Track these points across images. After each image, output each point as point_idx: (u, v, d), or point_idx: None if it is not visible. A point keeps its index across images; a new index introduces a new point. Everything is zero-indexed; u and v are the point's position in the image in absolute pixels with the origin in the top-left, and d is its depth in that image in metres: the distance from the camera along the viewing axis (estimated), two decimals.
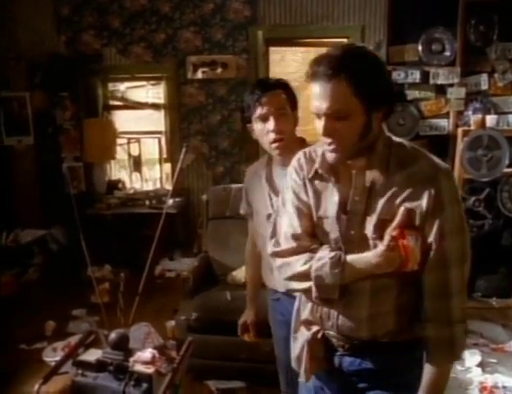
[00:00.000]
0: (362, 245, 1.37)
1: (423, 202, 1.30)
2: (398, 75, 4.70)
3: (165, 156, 5.72)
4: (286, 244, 1.47)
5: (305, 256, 1.41)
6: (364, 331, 1.43)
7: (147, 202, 5.24)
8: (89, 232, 3.53)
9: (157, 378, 1.78)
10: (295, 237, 1.46)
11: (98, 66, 5.32)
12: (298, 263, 1.42)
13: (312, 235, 1.46)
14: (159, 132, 5.70)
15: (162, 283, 4.65)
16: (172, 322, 3.53)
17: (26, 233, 5.02)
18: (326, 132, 1.30)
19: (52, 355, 3.42)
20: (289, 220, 1.49)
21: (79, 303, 4.24)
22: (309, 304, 1.52)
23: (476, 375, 3.17)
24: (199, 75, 5.20)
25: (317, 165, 1.44)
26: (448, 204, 1.31)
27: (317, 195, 1.46)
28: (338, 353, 1.52)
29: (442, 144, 4.75)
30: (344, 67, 1.23)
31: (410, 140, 4.90)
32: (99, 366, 1.84)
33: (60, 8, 5.25)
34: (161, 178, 5.93)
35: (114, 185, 5.66)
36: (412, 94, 4.76)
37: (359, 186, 1.37)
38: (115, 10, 5.20)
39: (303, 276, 1.40)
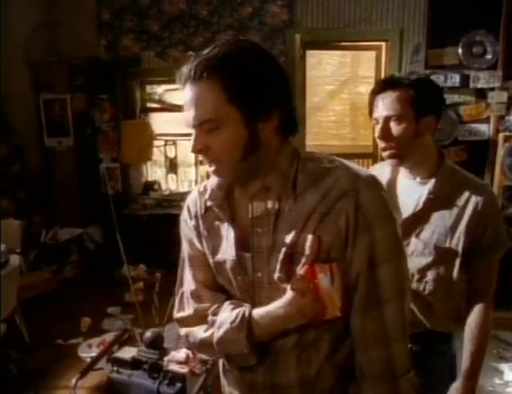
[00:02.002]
0: (274, 290, 1.08)
1: (341, 224, 1.01)
2: (437, 79, 4.61)
3: (200, 158, 5.75)
4: (188, 306, 1.20)
5: (207, 322, 1.14)
6: None
7: (182, 203, 5.28)
8: (124, 232, 3.59)
9: (190, 378, 1.79)
10: (194, 296, 1.18)
11: (136, 70, 5.41)
12: (200, 330, 1.15)
13: (215, 289, 1.18)
14: None
15: None
16: None
17: (64, 231, 5.14)
18: (196, 147, 1.04)
19: (88, 350, 3.49)
20: (186, 275, 1.23)
21: (113, 301, 4.31)
22: (229, 376, 1.24)
23: None
24: None
25: (206, 194, 1.16)
26: (375, 222, 1.01)
27: (214, 235, 1.16)
28: None
29: (482, 150, 4.65)
30: (214, 66, 0.98)
31: (448, 145, 4.85)
32: (134, 364, 1.88)
33: (101, 13, 5.37)
34: (196, 180, 5.98)
35: (150, 186, 5.74)
36: (451, 98, 4.67)
37: (260, 215, 1.08)
38: (154, 14, 5.27)
39: (210, 344, 1.12)
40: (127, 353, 1.95)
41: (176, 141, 5.98)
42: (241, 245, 1.10)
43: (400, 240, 1.07)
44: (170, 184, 6.06)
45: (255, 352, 1.09)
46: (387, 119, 1.54)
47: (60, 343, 3.69)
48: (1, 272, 2.95)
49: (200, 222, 1.19)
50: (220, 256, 1.15)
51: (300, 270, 1.01)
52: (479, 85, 4.53)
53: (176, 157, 6.06)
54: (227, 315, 1.10)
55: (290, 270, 1.04)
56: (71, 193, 5.43)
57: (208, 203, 1.16)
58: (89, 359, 2.99)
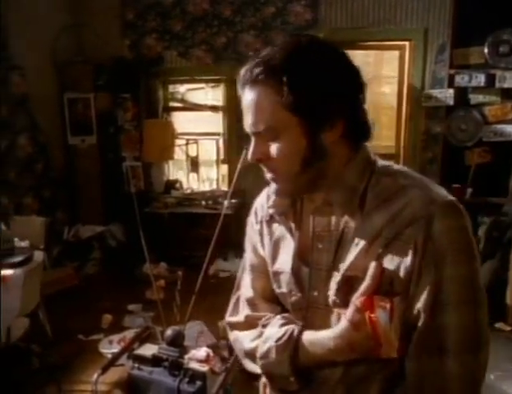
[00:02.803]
0: (330, 314, 0.98)
1: (408, 254, 0.88)
2: (461, 79, 4.57)
3: (222, 157, 5.79)
4: (241, 312, 1.14)
5: (255, 331, 1.07)
6: None
7: (203, 202, 5.32)
8: (145, 230, 3.62)
9: (210, 377, 1.80)
10: (250, 303, 1.12)
11: (159, 69, 5.45)
12: (247, 339, 1.08)
13: (272, 300, 1.11)
14: (217, 134, 5.77)
15: (216, 283, 4.70)
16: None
17: (87, 229, 5.20)
18: (254, 156, 0.97)
19: (108, 347, 3.52)
20: (246, 279, 1.17)
21: (134, 298, 4.35)
22: None
23: None
24: None
25: (270, 201, 1.08)
26: (448, 258, 0.87)
27: (275, 243, 1.09)
28: None
29: (507, 152, 4.57)
30: (272, 70, 0.89)
31: (472, 147, 4.79)
32: (155, 361, 1.89)
33: (125, 13, 5.42)
34: (217, 179, 6.00)
35: (172, 184, 5.78)
36: (475, 99, 4.61)
37: (322, 230, 0.99)
38: (177, 14, 5.31)
39: (253, 356, 1.05)
40: (148, 350, 1.96)
41: (198, 140, 6.01)
42: (301, 258, 1.02)
43: (477, 283, 0.90)
44: (191, 183, 6.09)
45: (298, 378, 0.98)
46: None
47: (81, 339, 3.74)
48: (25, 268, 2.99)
49: (264, 227, 1.12)
50: (277, 266, 1.07)
51: (357, 300, 0.89)
52: (505, 85, 4.46)
53: (197, 156, 6.08)
54: (275, 331, 1.01)
55: (347, 295, 0.92)
56: (94, 191, 5.50)
57: (270, 211, 1.09)
58: (109, 355, 3.03)
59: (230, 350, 2.04)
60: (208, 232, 3.61)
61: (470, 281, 0.89)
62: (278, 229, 1.09)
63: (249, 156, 0.98)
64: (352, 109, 0.95)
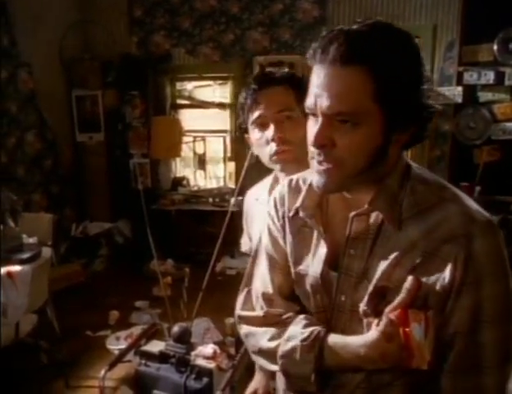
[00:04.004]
0: (356, 318, 0.95)
1: (447, 272, 0.87)
2: (470, 76, 4.53)
3: (229, 155, 5.79)
4: (257, 307, 1.09)
5: (273, 330, 1.03)
6: None
7: (210, 199, 5.32)
8: (153, 227, 3.63)
9: (217, 374, 1.80)
10: (266, 298, 1.07)
11: (167, 66, 5.46)
12: (264, 337, 1.03)
13: (288, 297, 1.07)
14: (224, 131, 5.77)
15: (223, 280, 4.70)
16: (232, 320, 3.56)
17: (94, 225, 5.23)
18: (319, 140, 0.87)
19: (116, 343, 3.55)
20: (261, 273, 1.11)
21: (141, 295, 4.37)
22: None
23: None
24: None
25: (299, 201, 1.03)
26: (487, 277, 0.86)
27: (299, 243, 1.05)
28: None
29: None
30: (368, 51, 0.82)
31: (481, 145, 4.74)
32: (162, 357, 1.90)
33: (133, 10, 5.43)
34: (224, 177, 6.00)
35: (179, 181, 5.79)
36: (484, 96, 4.57)
37: (357, 236, 0.95)
38: (185, 11, 5.31)
39: (271, 354, 1.01)
40: (155, 346, 1.97)
41: (205, 138, 6.01)
42: (328, 261, 0.98)
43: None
44: (198, 180, 6.10)
45: (319, 380, 0.95)
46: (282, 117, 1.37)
47: (89, 335, 3.76)
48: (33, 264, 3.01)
49: (287, 224, 1.07)
50: (302, 268, 1.03)
51: (391, 313, 0.87)
52: None
53: (204, 153, 6.10)
54: (299, 331, 0.98)
55: (378, 305, 0.90)
56: (102, 188, 5.52)
57: (301, 214, 1.03)
58: (116, 352, 3.04)
59: (237, 346, 2.04)
60: (214, 229, 3.62)
61: (508, 298, 0.89)
62: (304, 227, 1.04)
63: (312, 139, 0.89)
64: (428, 114, 0.91)
